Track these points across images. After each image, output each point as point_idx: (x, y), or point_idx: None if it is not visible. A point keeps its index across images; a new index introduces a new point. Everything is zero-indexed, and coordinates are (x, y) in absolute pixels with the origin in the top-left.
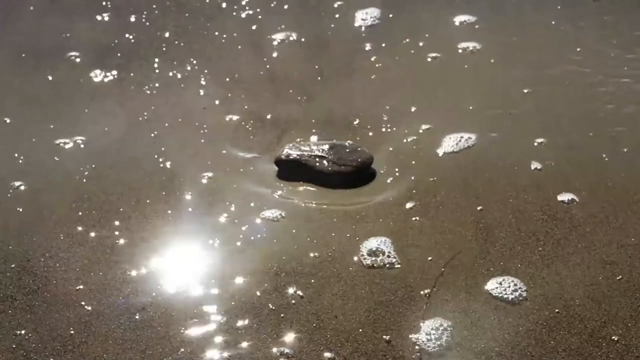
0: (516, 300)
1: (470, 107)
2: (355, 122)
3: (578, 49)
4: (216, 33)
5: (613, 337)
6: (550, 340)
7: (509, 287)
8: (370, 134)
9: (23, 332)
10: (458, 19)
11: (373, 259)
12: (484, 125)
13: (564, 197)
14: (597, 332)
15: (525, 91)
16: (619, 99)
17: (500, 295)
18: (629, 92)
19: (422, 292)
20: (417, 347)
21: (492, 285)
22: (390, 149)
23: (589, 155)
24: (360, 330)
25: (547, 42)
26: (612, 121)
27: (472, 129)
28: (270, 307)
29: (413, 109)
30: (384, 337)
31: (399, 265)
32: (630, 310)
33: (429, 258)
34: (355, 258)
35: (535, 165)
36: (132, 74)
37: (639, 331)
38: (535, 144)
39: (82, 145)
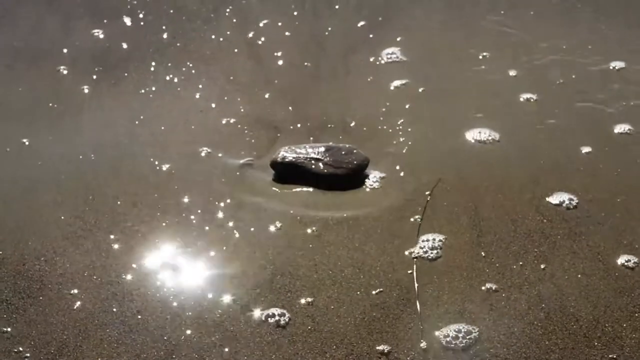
0: (511, 303)
1: (470, 106)
2: (351, 124)
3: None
4: (213, 36)
5: (607, 337)
6: (545, 340)
7: (506, 290)
8: (367, 135)
9: (17, 336)
10: (449, 19)
11: (369, 263)
12: (485, 125)
13: (560, 198)
14: (592, 332)
15: (527, 97)
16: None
17: (496, 296)
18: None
19: (415, 295)
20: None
21: (490, 287)
22: (387, 150)
23: (586, 157)
24: (355, 332)
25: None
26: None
27: (472, 129)
28: (265, 308)
29: (409, 110)
30: (379, 340)
31: (394, 268)
32: (625, 310)
33: (423, 264)
34: (350, 260)
35: (534, 167)
36: (128, 77)
37: (634, 331)
38: (537, 144)
39: (77, 148)
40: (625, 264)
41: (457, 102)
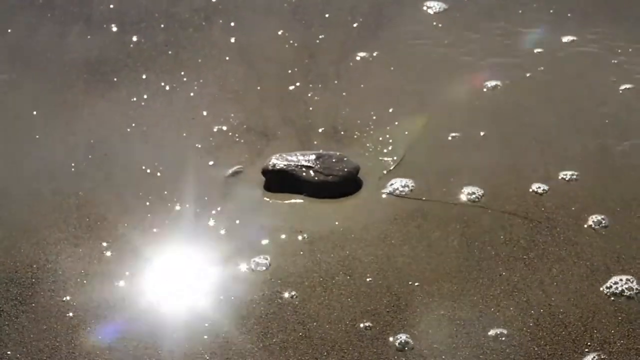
0: (500, 308)
1: (460, 114)
2: (342, 131)
3: None
4: (204, 44)
5: (596, 344)
6: (534, 346)
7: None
8: (358, 142)
9: (9, 343)
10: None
11: (359, 270)
12: (475, 130)
13: (551, 204)
14: (580, 338)
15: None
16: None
17: (486, 303)
18: None
19: (405, 302)
20: None
21: (479, 293)
22: (378, 157)
23: (582, 169)
24: (346, 339)
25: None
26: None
27: (463, 135)
28: (257, 316)
29: (400, 117)
30: (369, 346)
31: (385, 275)
32: (614, 317)
33: (413, 271)
34: (340, 267)
35: (524, 175)
36: (120, 84)
37: (622, 337)
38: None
39: (69, 155)
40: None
41: (450, 107)
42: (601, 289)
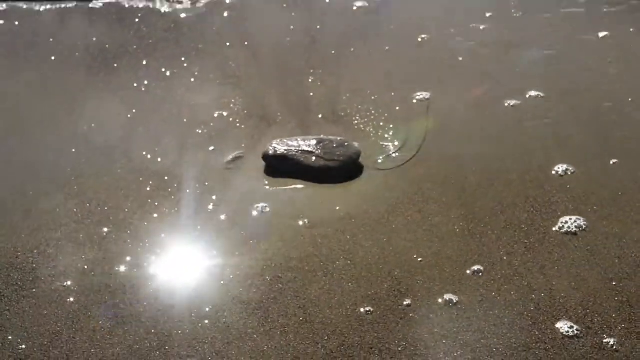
0: (501, 292)
1: (460, 95)
2: (343, 116)
3: None
4: (205, 30)
5: (597, 327)
6: (535, 330)
7: (495, 279)
8: (359, 127)
9: (10, 328)
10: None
11: (360, 255)
12: (475, 114)
13: (551, 185)
14: (581, 322)
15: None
16: None
17: (487, 287)
18: None
19: (406, 286)
20: None
21: (481, 277)
22: (379, 142)
23: (583, 149)
24: (347, 324)
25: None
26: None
27: (462, 118)
28: (258, 301)
29: (400, 101)
30: (370, 331)
31: (386, 260)
32: (614, 301)
33: (414, 256)
34: (341, 252)
35: (525, 159)
36: (122, 70)
37: (623, 322)
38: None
39: (70, 141)
40: (615, 255)
41: (449, 91)
42: (602, 272)
